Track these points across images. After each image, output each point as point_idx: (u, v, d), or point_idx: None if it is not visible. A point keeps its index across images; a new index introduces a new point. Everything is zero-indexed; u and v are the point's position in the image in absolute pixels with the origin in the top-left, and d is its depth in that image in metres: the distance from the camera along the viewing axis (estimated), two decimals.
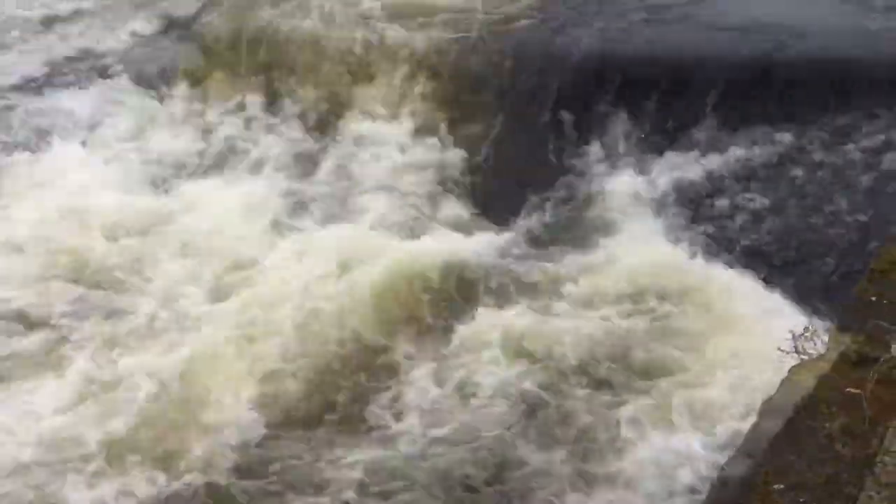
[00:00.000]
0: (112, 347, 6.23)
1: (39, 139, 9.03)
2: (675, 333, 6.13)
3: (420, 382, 5.92)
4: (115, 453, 5.30)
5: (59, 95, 9.79)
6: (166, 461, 5.29)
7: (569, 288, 6.64)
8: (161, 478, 5.19)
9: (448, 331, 6.33)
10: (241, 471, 5.29)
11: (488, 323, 6.30)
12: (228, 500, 5.11)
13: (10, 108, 9.62)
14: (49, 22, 11.45)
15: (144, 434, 5.44)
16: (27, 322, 6.55)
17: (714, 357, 5.85)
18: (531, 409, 5.65)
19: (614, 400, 5.68)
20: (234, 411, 5.67)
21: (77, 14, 11.58)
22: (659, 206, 7.43)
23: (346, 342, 6.24)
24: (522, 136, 8.44)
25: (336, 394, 5.89)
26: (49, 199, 7.93)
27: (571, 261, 6.94)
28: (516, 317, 6.34)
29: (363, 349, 6.24)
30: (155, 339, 6.30)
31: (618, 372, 5.87)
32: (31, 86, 9.99)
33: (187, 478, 5.17)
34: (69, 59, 10.55)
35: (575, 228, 7.45)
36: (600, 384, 5.82)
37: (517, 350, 6.05)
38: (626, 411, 5.55)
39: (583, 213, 7.60)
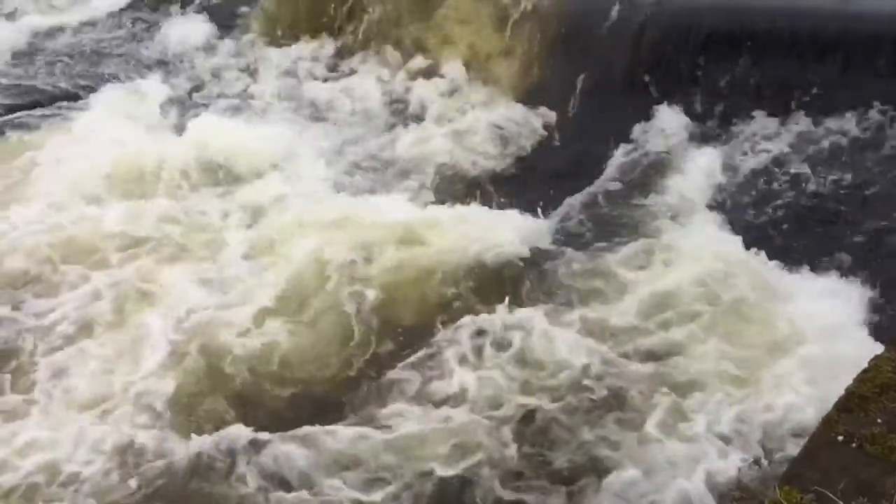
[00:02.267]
0: None
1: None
2: (728, 341, 5.42)
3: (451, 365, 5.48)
4: None
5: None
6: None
7: (621, 280, 5.99)
8: None
9: (486, 321, 5.77)
10: None
11: (528, 315, 5.72)
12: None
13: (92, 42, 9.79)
14: None
15: None
16: None
17: (761, 374, 5.16)
18: (573, 408, 5.12)
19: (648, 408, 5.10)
20: None
21: None
22: (736, 190, 6.66)
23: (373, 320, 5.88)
24: (600, 98, 7.72)
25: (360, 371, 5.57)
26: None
27: (626, 249, 6.25)
28: (560, 310, 5.77)
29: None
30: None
31: (656, 381, 5.23)
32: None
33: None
34: None
35: (636, 210, 6.71)
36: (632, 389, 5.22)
37: (562, 346, 5.48)
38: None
39: (646, 192, 6.85)
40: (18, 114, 8.43)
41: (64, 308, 5.98)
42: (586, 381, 5.22)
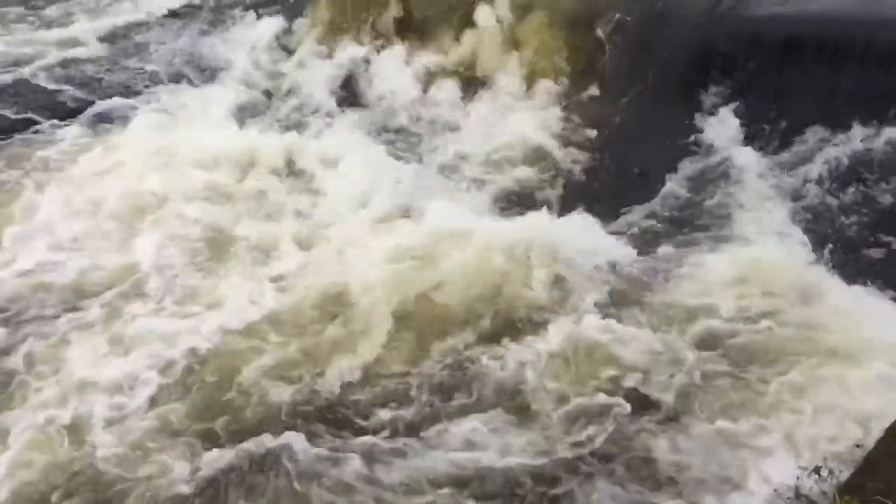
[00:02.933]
0: None
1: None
2: (797, 352, 5.39)
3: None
4: None
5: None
6: None
7: (679, 288, 5.96)
8: None
9: (543, 323, 5.81)
10: None
11: (585, 323, 5.72)
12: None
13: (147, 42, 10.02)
14: None
15: None
16: None
17: (827, 386, 5.13)
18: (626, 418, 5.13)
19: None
20: None
21: None
22: (800, 200, 6.53)
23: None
24: (662, 101, 7.62)
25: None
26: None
27: (684, 256, 6.22)
28: (611, 315, 5.77)
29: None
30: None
31: (711, 393, 5.24)
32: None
33: None
34: None
35: (695, 217, 6.66)
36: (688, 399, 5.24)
37: (610, 355, 5.50)
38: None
39: (707, 198, 6.78)
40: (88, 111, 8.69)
41: None
42: (657, 380, 5.28)
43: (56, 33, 10.31)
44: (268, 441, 5.01)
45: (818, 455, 4.61)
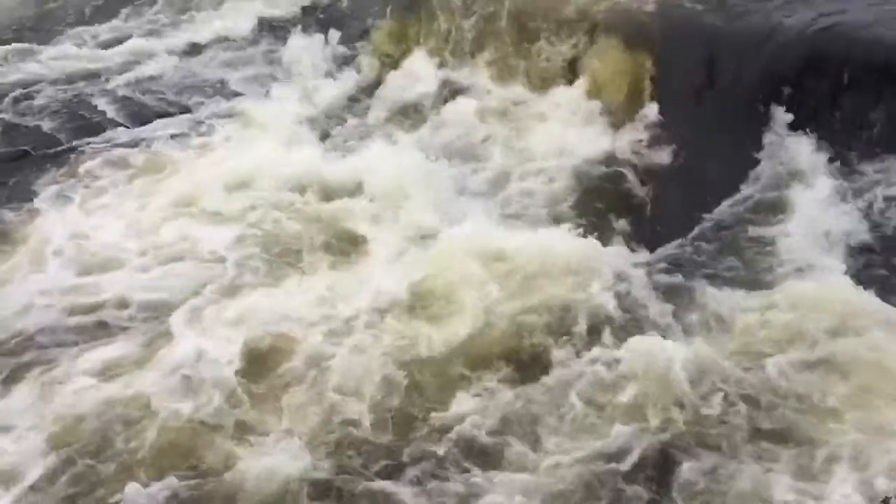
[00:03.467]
0: None
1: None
2: (856, 386, 5.23)
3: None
4: None
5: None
6: None
7: (730, 324, 5.78)
8: None
9: (576, 356, 5.71)
10: None
11: (636, 349, 5.58)
12: None
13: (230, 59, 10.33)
14: None
15: None
16: None
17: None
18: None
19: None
20: None
21: None
22: (870, 232, 6.27)
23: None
24: (722, 129, 7.42)
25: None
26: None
27: (736, 290, 6.00)
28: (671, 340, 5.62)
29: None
30: None
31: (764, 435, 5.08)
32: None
33: None
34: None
35: (750, 249, 6.42)
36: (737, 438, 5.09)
37: (660, 389, 5.34)
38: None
39: (767, 226, 6.55)
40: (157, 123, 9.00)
41: None
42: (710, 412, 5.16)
43: (130, 46, 10.66)
44: None
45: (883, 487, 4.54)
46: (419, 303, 6.18)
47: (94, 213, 7.53)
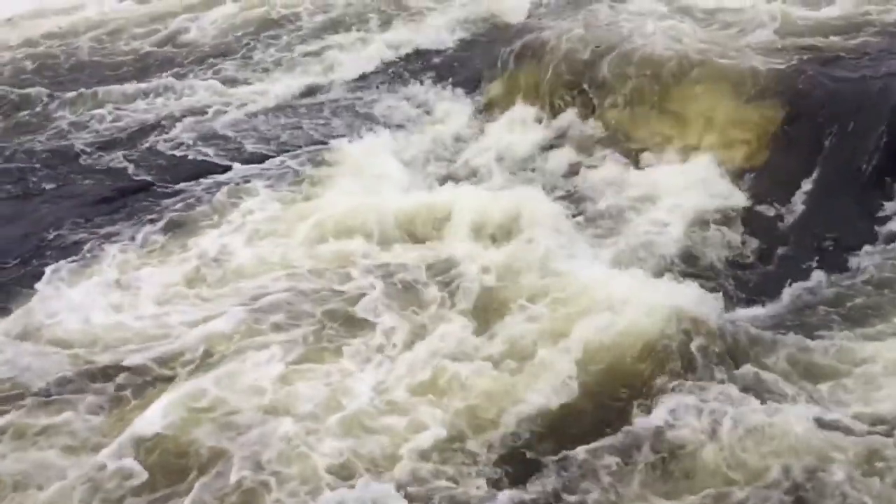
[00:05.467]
0: None
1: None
2: None
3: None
4: None
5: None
6: None
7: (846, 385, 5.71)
8: None
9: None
10: None
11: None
12: None
13: (340, 102, 10.56)
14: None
15: None
16: None
17: None
18: None
19: None
20: None
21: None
22: None
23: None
24: (835, 189, 7.41)
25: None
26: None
27: (850, 352, 5.95)
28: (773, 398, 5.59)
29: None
30: None
31: None
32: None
33: None
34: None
35: (869, 306, 6.37)
36: None
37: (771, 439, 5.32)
38: None
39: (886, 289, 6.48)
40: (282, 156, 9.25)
41: None
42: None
43: (246, 88, 11.02)
44: None
45: None
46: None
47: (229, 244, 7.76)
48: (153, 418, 5.74)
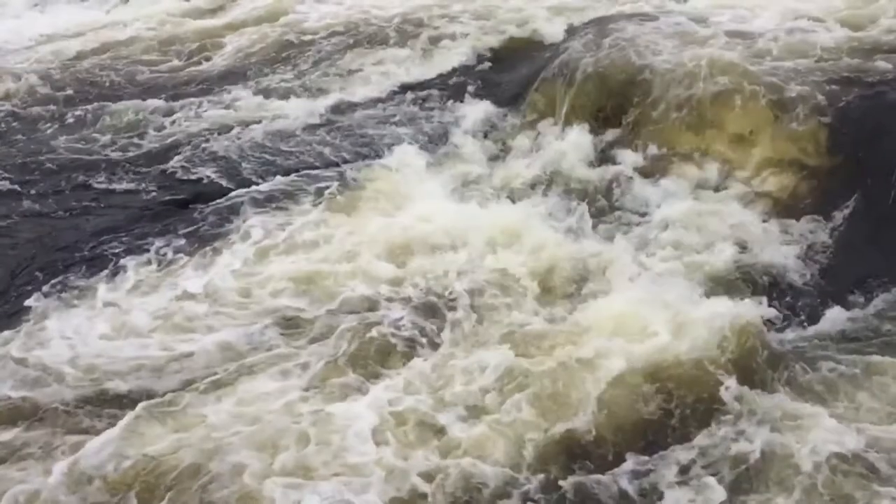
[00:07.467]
0: None
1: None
2: None
3: None
4: None
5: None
6: None
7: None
8: None
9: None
10: None
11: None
12: None
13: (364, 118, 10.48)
14: None
15: None
16: None
17: None
18: None
19: None
20: None
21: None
22: None
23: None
24: (879, 214, 7.47)
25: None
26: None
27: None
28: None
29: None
30: None
31: None
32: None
33: None
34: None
35: None
36: None
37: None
38: None
39: None
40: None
41: None
42: None
43: (276, 104, 10.96)
44: None
45: None
46: None
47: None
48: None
